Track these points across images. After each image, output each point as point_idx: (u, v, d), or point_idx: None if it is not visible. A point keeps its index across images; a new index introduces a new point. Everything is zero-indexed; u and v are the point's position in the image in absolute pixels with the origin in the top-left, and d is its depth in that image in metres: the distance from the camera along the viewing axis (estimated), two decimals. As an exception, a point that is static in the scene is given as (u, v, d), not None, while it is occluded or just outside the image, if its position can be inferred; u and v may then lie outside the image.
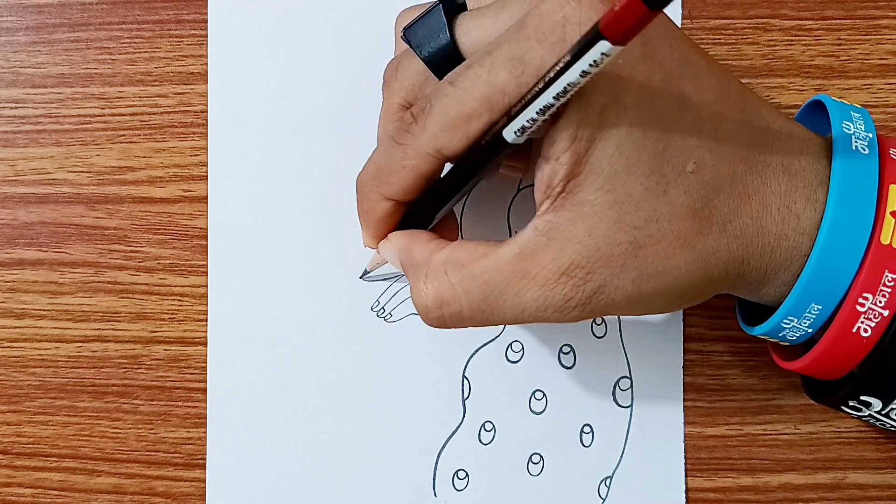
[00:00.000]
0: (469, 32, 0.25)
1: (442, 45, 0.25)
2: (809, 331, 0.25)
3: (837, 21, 0.32)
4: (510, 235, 0.32)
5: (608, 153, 0.22)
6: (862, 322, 0.23)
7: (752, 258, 0.24)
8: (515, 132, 0.23)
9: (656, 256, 0.23)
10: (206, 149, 0.33)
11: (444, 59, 0.25)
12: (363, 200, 0.27)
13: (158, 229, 0.33)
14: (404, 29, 0.26)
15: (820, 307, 0.24)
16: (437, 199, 0.27)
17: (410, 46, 0.25)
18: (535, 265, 0.23)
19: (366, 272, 0.32)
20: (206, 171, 0.33)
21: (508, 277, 0.23)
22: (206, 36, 0.33)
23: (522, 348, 0.32)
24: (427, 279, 0.25)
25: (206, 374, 0.33)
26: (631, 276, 0.23)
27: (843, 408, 0.26)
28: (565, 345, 0.32)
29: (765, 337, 0.27)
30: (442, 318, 0.25)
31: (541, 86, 0.21)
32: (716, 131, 0.24)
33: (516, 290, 0.24)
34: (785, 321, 0.25)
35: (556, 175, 0.23)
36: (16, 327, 0.33)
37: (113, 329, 0.33)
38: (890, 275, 0.23)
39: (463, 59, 0.24)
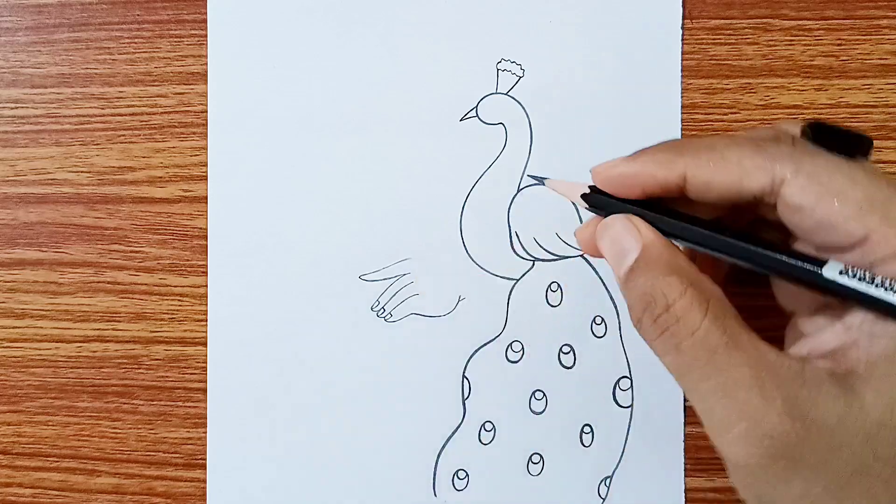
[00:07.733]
0: None
1: None
2: None
3: (837, 21, 0.32)
4: (510, 235, 0.32)
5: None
6: None
7: None
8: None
9: None
10: (206, 149, 0.33)
11: None
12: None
13: (158, 229, 0.33)
14: None
15: None
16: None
17: None
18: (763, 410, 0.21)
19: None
20: (206, 171, 0.33)
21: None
22: (206, 36, 0.33)
23: (522, 348, 0.32)
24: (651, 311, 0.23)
25: (206, 374, 0.33)
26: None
27: None
28: (565, 345, 0.32)
29: None
30: (641, 321, 0.23)
31: None
32: None
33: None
34: None
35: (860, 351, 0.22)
36: (16, 327, 0.33)
37: (113, 329, 0.33)
38: None
39: None
